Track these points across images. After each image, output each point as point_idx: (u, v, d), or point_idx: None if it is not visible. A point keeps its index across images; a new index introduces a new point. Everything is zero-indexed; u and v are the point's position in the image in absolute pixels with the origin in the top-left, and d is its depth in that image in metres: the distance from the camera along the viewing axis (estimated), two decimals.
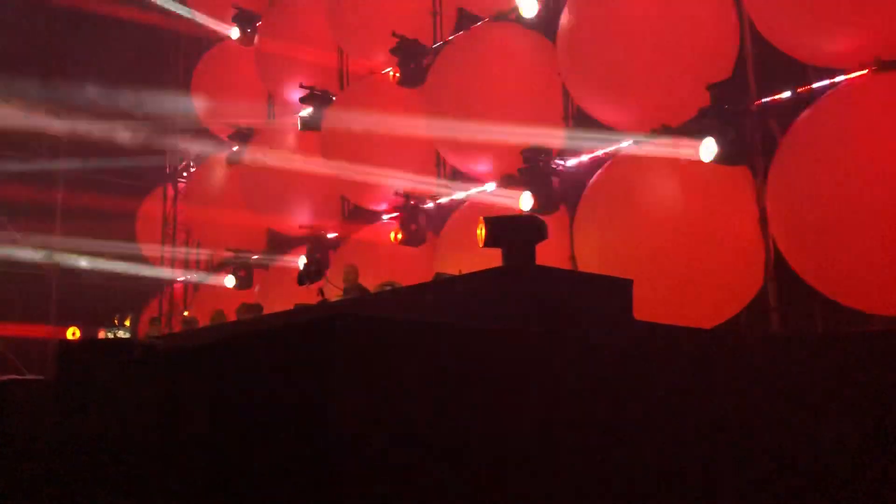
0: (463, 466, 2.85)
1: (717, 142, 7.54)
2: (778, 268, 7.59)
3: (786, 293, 7.57)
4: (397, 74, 10.93)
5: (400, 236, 10.76)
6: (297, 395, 2.66)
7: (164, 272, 16.24)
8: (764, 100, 7.96)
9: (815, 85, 7.64)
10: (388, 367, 2.63)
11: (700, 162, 7.70)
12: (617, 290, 4.46)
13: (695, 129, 7.87)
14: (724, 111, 7.54)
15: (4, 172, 16.11)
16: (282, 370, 2.80)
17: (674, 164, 8.17)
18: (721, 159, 7.60)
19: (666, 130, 8.49)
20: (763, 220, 7.66)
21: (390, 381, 2.64)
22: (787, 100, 7.82)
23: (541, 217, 7.87)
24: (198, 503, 3.02)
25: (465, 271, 5.19)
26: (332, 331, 2.53)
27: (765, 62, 7.96)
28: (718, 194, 7.89)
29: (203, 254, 16.30)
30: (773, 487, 4.16)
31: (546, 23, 9.63)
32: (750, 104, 7.84)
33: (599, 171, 8.88)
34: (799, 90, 7.75)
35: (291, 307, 7.35)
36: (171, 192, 16.42)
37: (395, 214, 11.21)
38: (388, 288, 6.55)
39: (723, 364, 4.31)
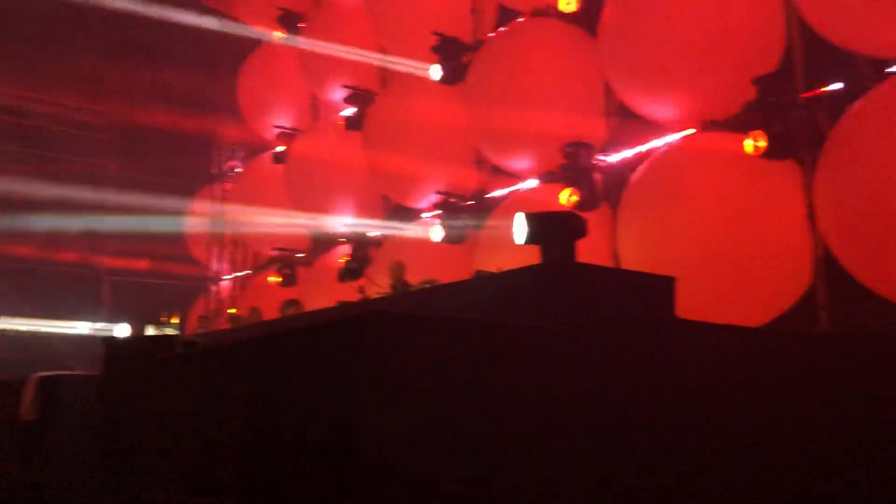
0: (497, 464, 2.82)
1: (764, 136, 7.37)
2: (827, 265, 7.39)
3: (835, 291, 7.36)
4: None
5: (441, 234, 10.75)
6: (328, 391, 2.67)
7: (212, 270, 16.51)
8: (812, 92, 7.75)
9: (864, 76, 7.41)
10: (417, 363, 2.62)
11: (745, 156, 7.54)
12: (659, 288, 4.37)
13: (740, 124, 7.70)
14: (770, 104, 7.37)
15: (53, 173, 16.55)
16: (313, 367, 2.81)
17: (719, 159, 8.01)
18: (768, 154, 7.43)
19: (711, 125, 8.33)
20: (811, 216, 7.47)
21: (420, 377, 2.62)
22: (836, 92, 7.60)
23: (582, 214, 7.81)
24: (233, 492, 3.05)
25: (504, 269, 5.15)
26: (360, 328, 2.53)
27: (812, 53, 7.76)
28: (765, 189, 7.71)
29: (249, 252, 16.54)
30: (820, 487, 4.05)
31: (587, 17, 9.53)
32: (797, 97, 7.64)
33: (642, 167, 8.75)
34: (848, 82, 7.53)
35: (334, 304, 7.41)
36: (218, 191, 16.67)
37: (435, 212, 11.20)
38: (428, 286, 6.54)
39: (769, 364, 4.21)
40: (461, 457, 2.63)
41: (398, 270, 8.28)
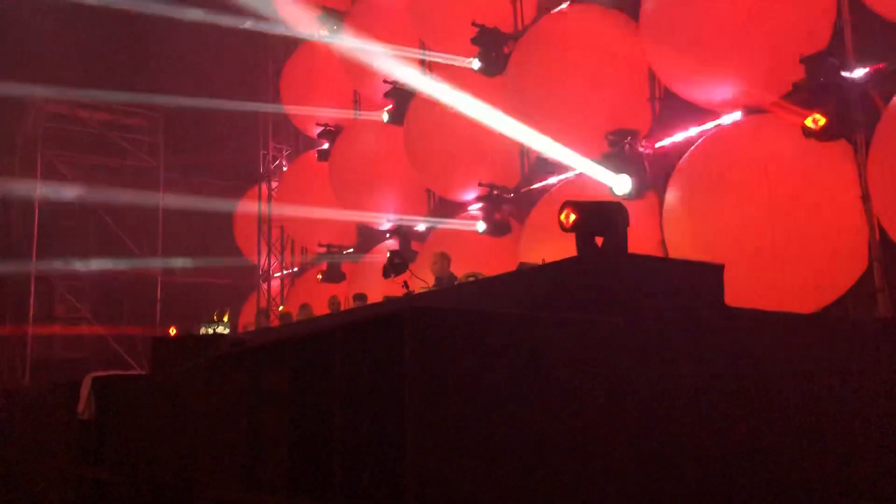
0: (541, 460, 2.79)
1: (813, 117, 7.17)
2: (884, 247, 7.16)
3: (893, 273, 7.14)
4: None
5: (484, 226, 10.71)
6: (373, 388, 2.67)
7: (261, 269, 16.75)
8: (864, 70, 7.50)
9: None
10: (461, 358, 2.59)
11: (795, 138, 7.34)
12: (708, 276, 4.27)
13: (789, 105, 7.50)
14: (819, 84, 7.16)
15: (104, 170, 16.96)
16: (357, 363, 2.81)
17: (767, 141, 7.82)
18: (819, 135, 7.22)
19: (759, 107, 8.13)
20: (866, 197, 7.24)
21: (464, 373, 2.60)
22: (889, 68, 7.34)
23: (627, 202, 7.69)
24: (281, 491, 3.08)
25: (548, 260, 5.10)
26: (402, 324, 2.52)
27: (864, 30, 7.51)
28: (817, 171, 7.50)
29: (297, 250, 16.75)
30: (882, 484, 3.92)
31: (630, 3, 9.39)
32: (848, 75, 7.41)
33: (689, 153, 8.59)
34: None
35: (380, 300, 7.43)
36: (265, 191, 16.90)
37: (479, 205, 11.17)
38: (472, 279, 6.52)
39: (826, 352, 4.08)
40: (509, 453, 2.61)
41: (438, 262, 8.11)
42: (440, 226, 12.06)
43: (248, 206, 17.41)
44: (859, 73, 7.49)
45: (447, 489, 2.43)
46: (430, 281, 7.97)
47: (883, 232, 7.14)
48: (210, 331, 10.12)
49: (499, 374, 2.73)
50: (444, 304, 3.48)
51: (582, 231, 4.39)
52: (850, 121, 7.28)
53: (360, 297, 10.21)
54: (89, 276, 17.02)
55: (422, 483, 2.37)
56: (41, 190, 16.15)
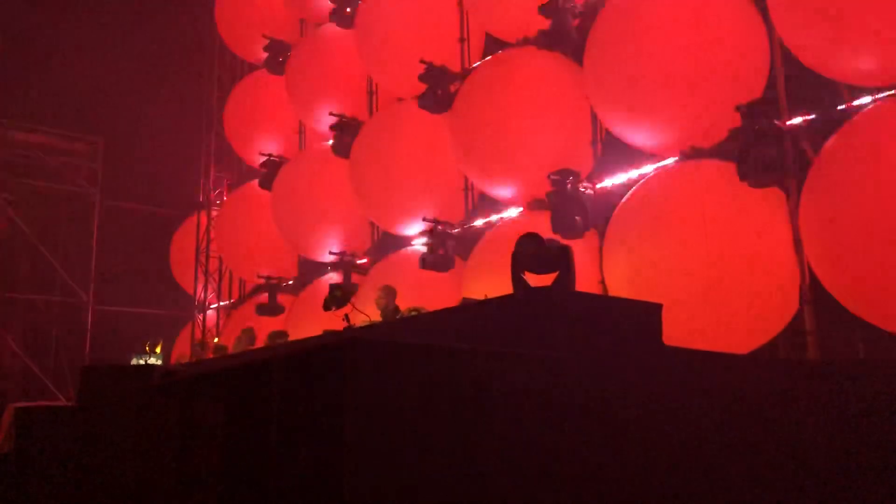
0: (482, 490, 2.76)
1: (748, 163, 7.41)
2: (814, 291, 7.39)
3: (823, 317, 7.36)
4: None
5: (427, 262, 10.68)
6: (310, 420, 2.61)
7: (197, 300, 16.38)
8: (796, 119, 7.80)
9: (848, 104, 7.47)
10: (401, 391, 2.56)
11: (731, 184, 7.56)
12: (646, 315, 4.34)
13: (725, 151, 7.73)
14: (754, 132, 7.40)
15: (38, 195, 16.44)
16: (295, 396, 2.75)
17: (704, 186, 8.03)
18: (752, 181, 7.46)
19: (696, 152, 8.36)
20: (797, 242, 7.48)
21: (404, 406, 2.57)
22: (820, 119, 7.65)
23: (570, 241, 7.78)
24: None
25: (491, 296, 5.10)
26: (342, 355, 2.48)
27: (796, 81, 7.83)
28: (750, 216, 7.73)
29: (235, 281, 16.44)
30: None
31: (574, 47, 9.60)
32: (782, 124, 7.69)
33: (629, 194, 8.77)
34: (832, 109, 7.59)
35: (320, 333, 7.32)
36: (203, 220, 16.59)
37: (423, 240, 11.17)
38: (415, 313, 6.49)
39: (757, 391, 4.17)
40: (450, 485, 2.58)
41: (384, 296, 8.02)
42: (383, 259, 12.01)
43: (185, 236, 17.07)
44: (792, 122, 7.78)
45: None
46: (373, 315, 7.86)
47: (813, 276, 7.37)
48: (142, 361, 9.81)
49: (439, 406, 2.70)
50: (385, 337, 3.44)
51: (532, 268, 4.44)
52: (783, 169, 7.54)
53: (280, 334, 9.97)
54: (16, 304, 16.41)
55: None
56: None
